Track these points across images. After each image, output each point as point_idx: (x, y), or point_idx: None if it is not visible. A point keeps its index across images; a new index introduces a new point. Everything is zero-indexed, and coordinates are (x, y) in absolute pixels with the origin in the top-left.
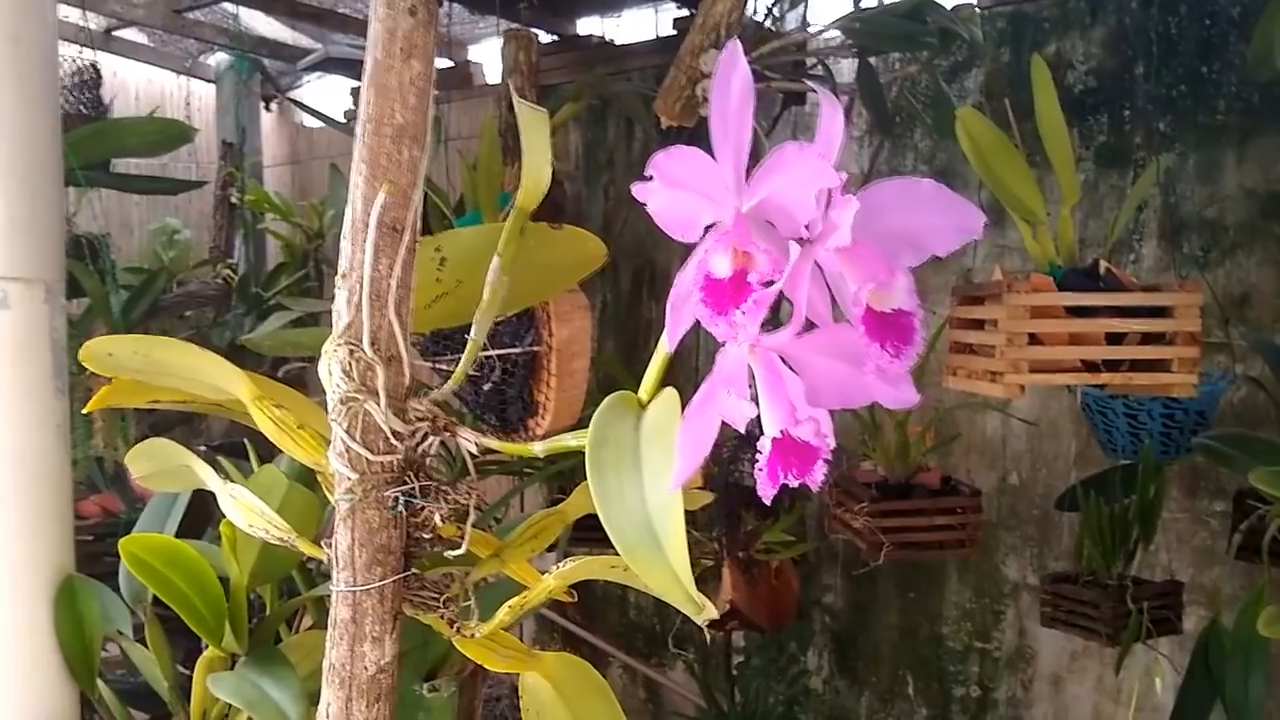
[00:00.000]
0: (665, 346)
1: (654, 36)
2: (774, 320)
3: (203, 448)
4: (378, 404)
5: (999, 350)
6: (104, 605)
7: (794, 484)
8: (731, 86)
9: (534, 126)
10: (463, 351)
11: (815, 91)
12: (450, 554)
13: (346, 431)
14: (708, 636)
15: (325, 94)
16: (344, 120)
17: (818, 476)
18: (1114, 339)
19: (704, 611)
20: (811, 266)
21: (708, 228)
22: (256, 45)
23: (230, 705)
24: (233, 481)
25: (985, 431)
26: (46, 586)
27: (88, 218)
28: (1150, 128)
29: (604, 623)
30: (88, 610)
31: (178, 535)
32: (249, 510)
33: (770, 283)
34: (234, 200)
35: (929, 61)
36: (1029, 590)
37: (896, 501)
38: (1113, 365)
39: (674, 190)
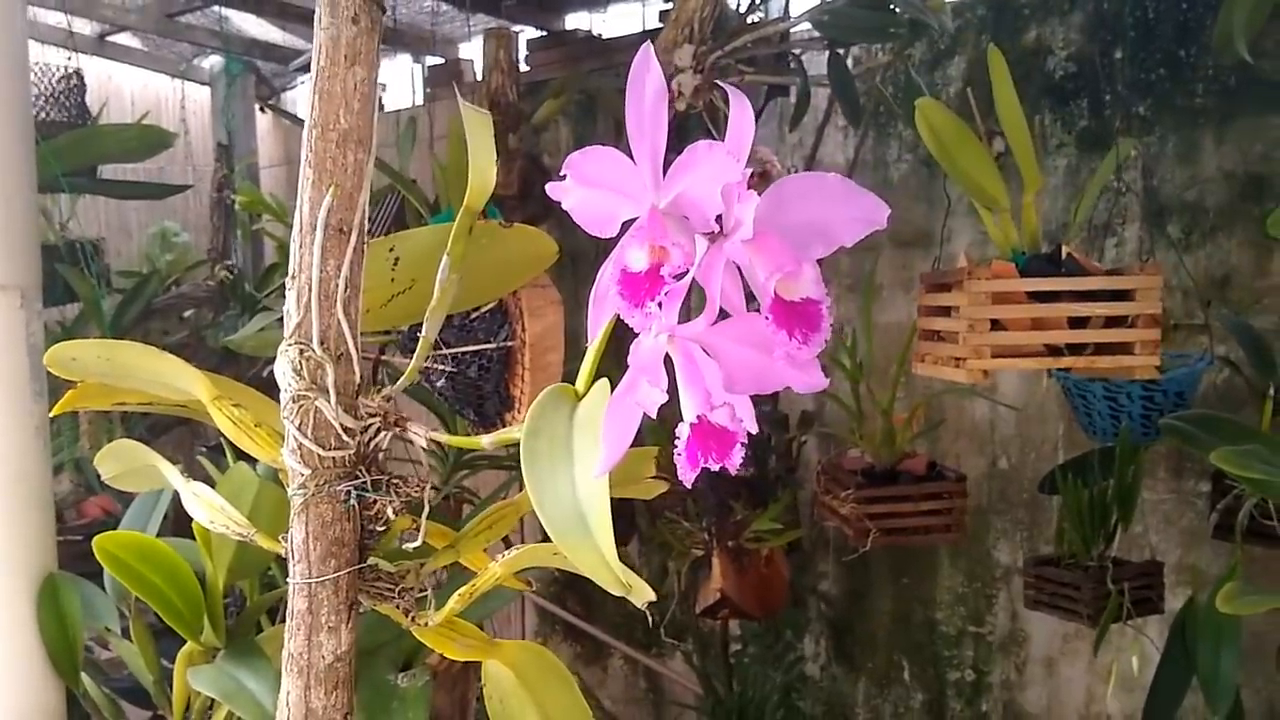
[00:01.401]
0: (592, 339)
1: (640, 30)
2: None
3: (202, 449)
4: (328, 401)
5: (962, 337)
6: (88, 602)
7: (714, 467)
8: (646, 87)
9: (478, 128)
10: (446, 348)
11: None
12: (407, 546)
13: (298, 428)
14: (649, 616)
15: None
16: None
17: (735, 459)
18: (1077, 323)
19: (634, 591)
20: (723, 259)
21: (626, 224)
22: (249, 47)
23: (212, 697)
24: (210, 481)
25: (974, 417)
26: (29, 585)
27: (86, 222)
28: (1130, 112)
29: (603, 614)
30: (70, 607)
31: (171, 534)
32: (210, 507)
33: (683, 275)
34: (230, 202)
35: (900, 51)
36: (1020, 574)
37: (882, 488)
38: (1076, 349)
39: (589, 189)
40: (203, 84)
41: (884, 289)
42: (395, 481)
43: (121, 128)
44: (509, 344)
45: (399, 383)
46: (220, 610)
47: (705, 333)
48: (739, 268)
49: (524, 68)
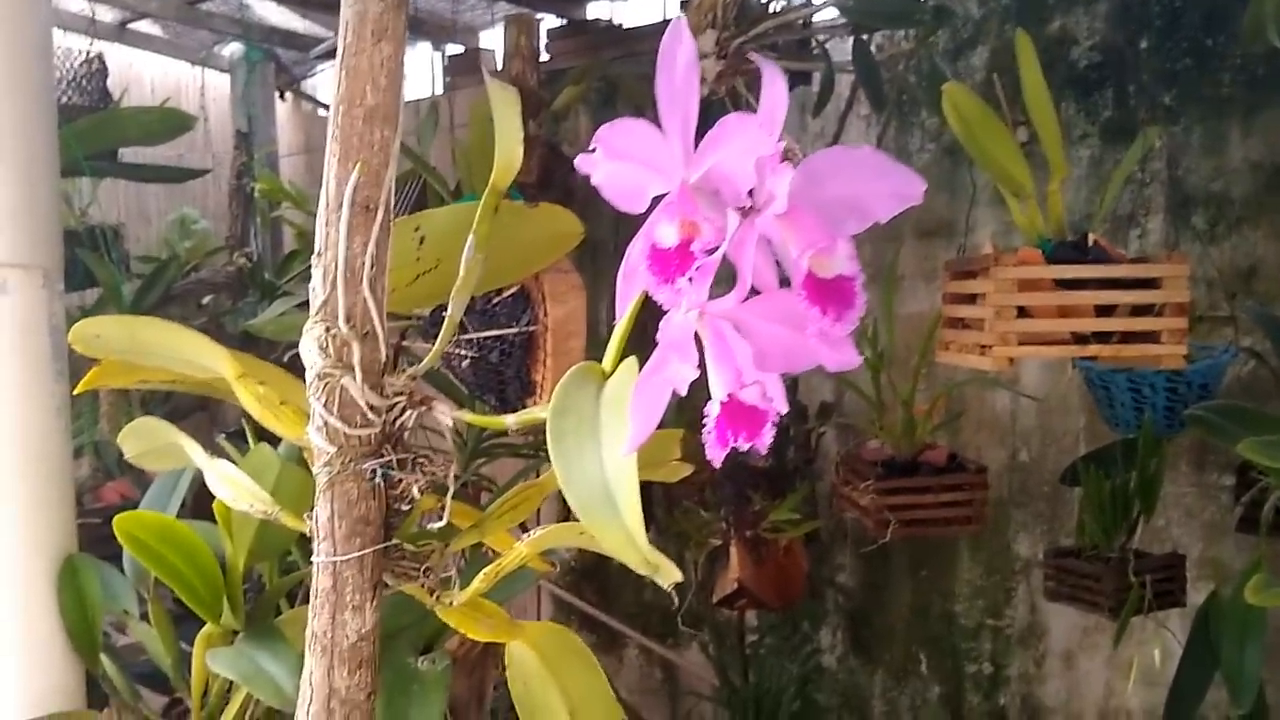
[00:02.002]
0: (620, 316)
1: (660, 19)
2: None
3: (221, 434)
4: (354, 379)
5: (988, 323)
6: (106, 584)
7: (743, 447)
8: (677, 60)
9: (505, 106)
10: (466, 333)
11: (816, 69)
12: (431, 526)
13: (324, 406)
14: (674, 598)
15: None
16: None
17: (765, 439)
18: (1103, 311)
19: (660, 571)
20: (755, 234)
21: (656, 199)
22: (269, 35)
23: (230, 680)
24: (230, 461)
25: (995, 408)
26: (49, 566)
27: (106, 209)
28: (1155, 101)
29: (619, 604)
30: (90, 589)
31: (190, 515)
32: (235, 485)
33: (714, 250)
34: (249, 190)
35: (924, 38)
36: (1040, 567)
37: (902, 479)
38: (1102, 337)
39: (618, 162)
40: (222, 71)
41: (905, 279)
42: (421, 460)
43: (143, 111)
44: (531, 329)
45: (424, 362)
46: (240, 592)
47: (736, 309)
48: (769, 244)
49: (544, 56)
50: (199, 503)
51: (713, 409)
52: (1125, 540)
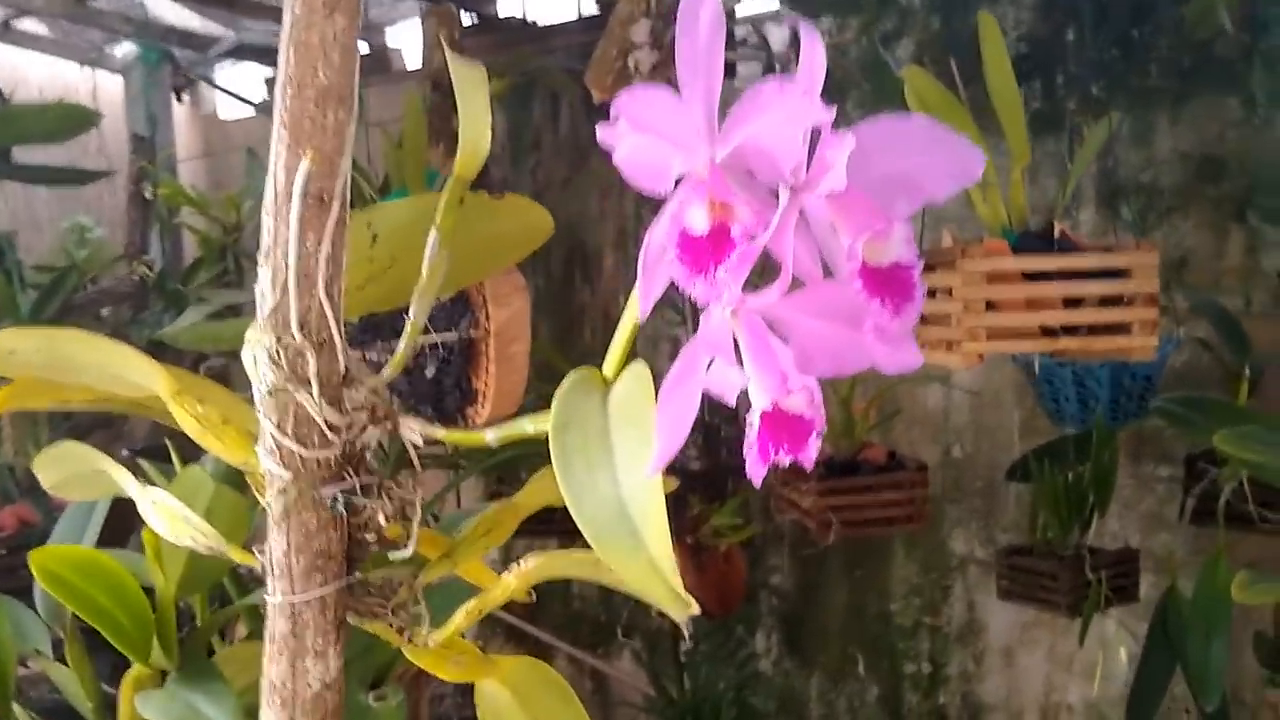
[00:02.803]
0: (635, 313)
1: (576, 16)
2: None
3: (125, 452)
4: (310, 394)
5: (955, 318)
6: (17, 623)
7: (785, 461)
8: (700, 21)
9: (471, 86)
10: (396, 339)
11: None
12: (396, 556)
13: (277, 426)
14: (686, 631)
15: (239, 83)
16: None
17: (811, 452)
18: (1071, 304)
19: (690, 608)
20: (796, 217)
21: (677, 180)
22: (164, 34)
23: None
24: (154, 486)
25: (927, 405)
26: None
27: None
28: (1084, 93)
29: (548, 615)
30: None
31: (98, 545)
32: (173, 517)
33: (755, 236)
34: (148, 195)
35: (865, 27)
36: (977, 564)
37: (844, 479)
38: (1071, 330)
39: (643, 135)
40: (115, 73)
41: None
42: (388, 484)
43: (42, 107)
44: (471, 335)
45: (385, 370)
46: (172, 629)
47: (778, 304)
48: (808, 229)
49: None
50: (109, 529)
51: (754, 420)
52: (1080, 536)
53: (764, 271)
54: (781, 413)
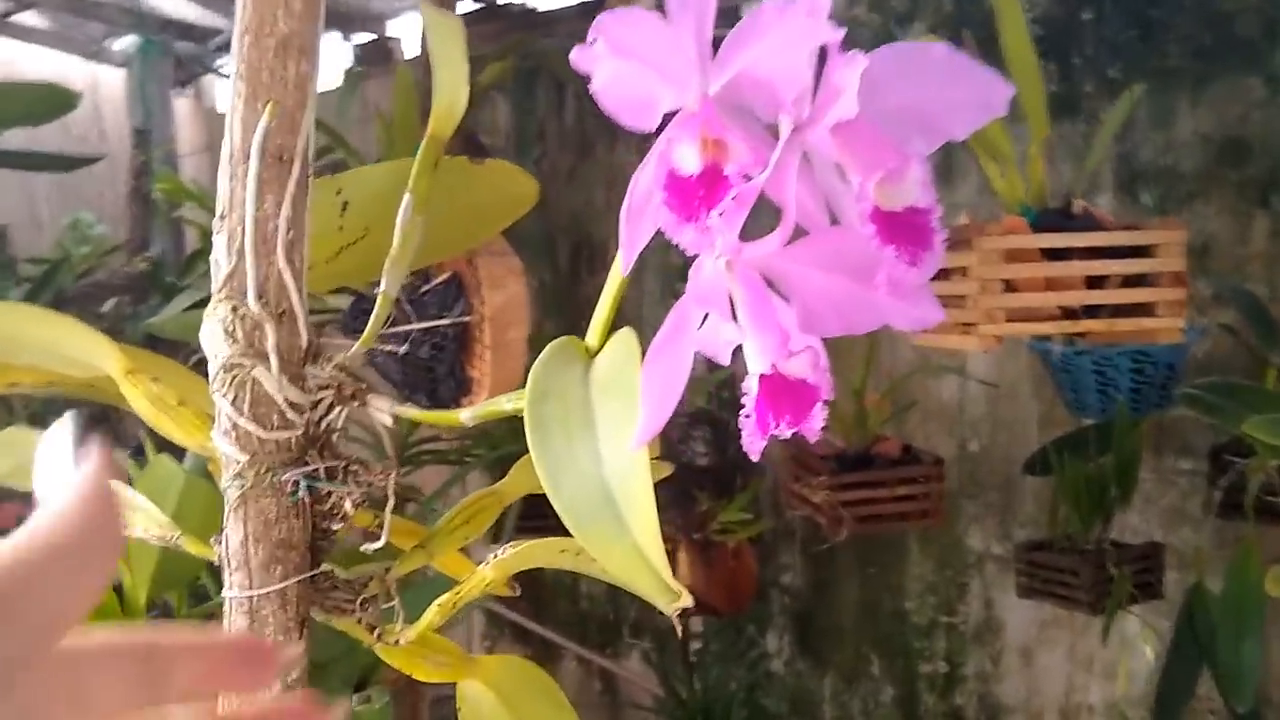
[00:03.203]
0: (619, 270)
1: (577, 1)
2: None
3: (127, 452)
4: (268, 369)
5: (971, 299)
6: None
7: (786, 433)
8: None
9: (446, 37)
10: (393, 325)
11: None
12: (368, 547)
13: (232, 405)
14: (678, 626)
15: None
16: None
17: (816, 423)
18: (1094, 283)
19: (680, 599)
20: (798, 155)
21: (665, 117)
22: (164, 26)
23: None
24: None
25: (942, 397)
26: None
27: None
28: (1101, 75)
29: (554, 614)
30: None
31: None
32: (128, 507)
33: (751, 176)
34: (149, 190)
35: (878, 2)
36: (994, 560)
37: (857, 473)
38: (1093, 312)
39: (625, 60)
40: (116, 66)
41: None
42: (354, 468)
43: (23, 86)
44: (465, 319)
45: (355, 346)
46: None
47: (778, 254)
48: (810, 170)
49: None
50: None
51: (751, 386)
52: (1102, 530)
53: (763, 220)
54: (782, 378)
